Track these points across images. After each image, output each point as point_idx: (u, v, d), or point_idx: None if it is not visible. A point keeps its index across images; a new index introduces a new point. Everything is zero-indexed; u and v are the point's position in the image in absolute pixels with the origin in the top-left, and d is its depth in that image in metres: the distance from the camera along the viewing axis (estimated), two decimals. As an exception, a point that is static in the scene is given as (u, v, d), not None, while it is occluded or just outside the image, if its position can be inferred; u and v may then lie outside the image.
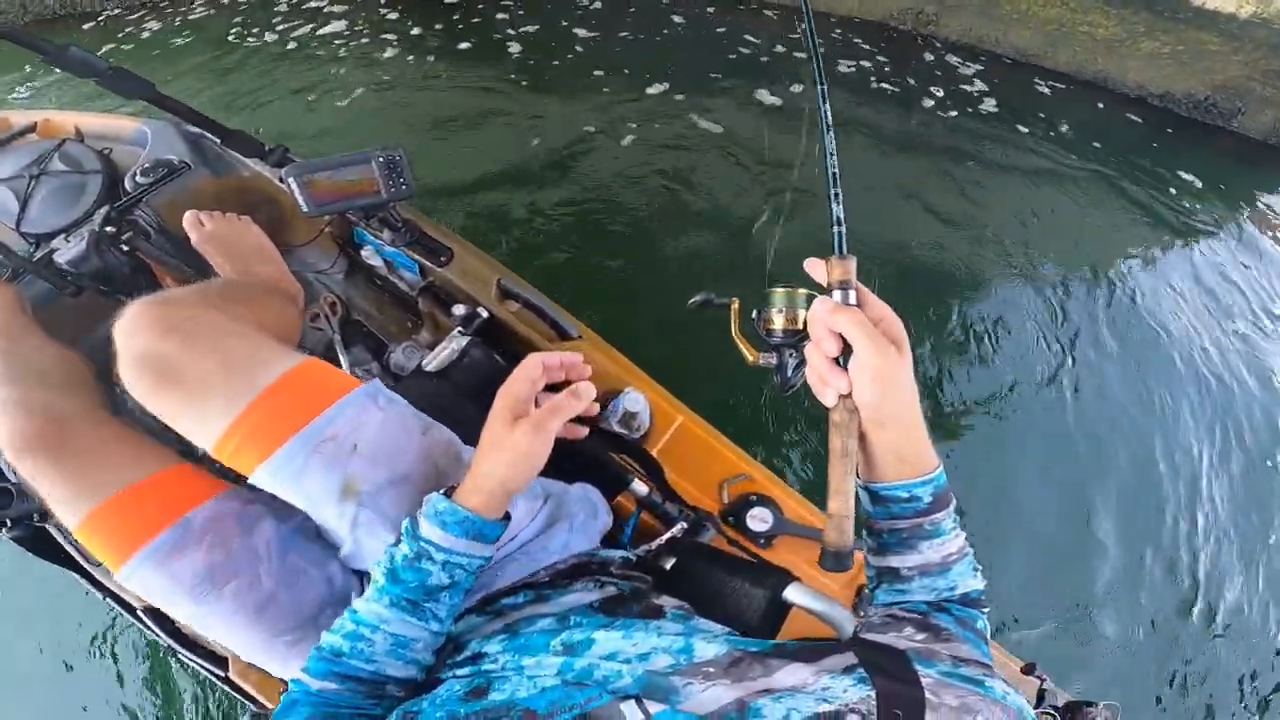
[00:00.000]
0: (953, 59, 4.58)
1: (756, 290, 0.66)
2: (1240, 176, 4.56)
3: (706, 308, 0.74)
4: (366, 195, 1.13)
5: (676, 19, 4.33)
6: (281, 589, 0.74)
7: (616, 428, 1.17)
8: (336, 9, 4.23)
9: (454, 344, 1.20)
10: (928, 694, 0.44)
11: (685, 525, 1.11)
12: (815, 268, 0.60)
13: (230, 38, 4.07)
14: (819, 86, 0.69)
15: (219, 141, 1.41)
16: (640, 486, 1.14)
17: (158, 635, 1.08)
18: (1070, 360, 2.94)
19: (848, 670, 0.48)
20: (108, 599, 1.19)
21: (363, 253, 1.54)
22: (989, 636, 0.63)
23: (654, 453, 1.23)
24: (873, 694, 0.44)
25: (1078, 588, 2.41)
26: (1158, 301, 3.37)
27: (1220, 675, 2.39)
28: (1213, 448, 2.88)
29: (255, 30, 4.10)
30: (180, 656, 1.09)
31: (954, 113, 4.10)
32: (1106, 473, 2.66)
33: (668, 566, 1.00)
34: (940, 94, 4.21)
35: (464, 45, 3.93)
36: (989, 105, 4.30)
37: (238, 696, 1.07)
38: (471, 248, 1.39)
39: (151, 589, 0.72)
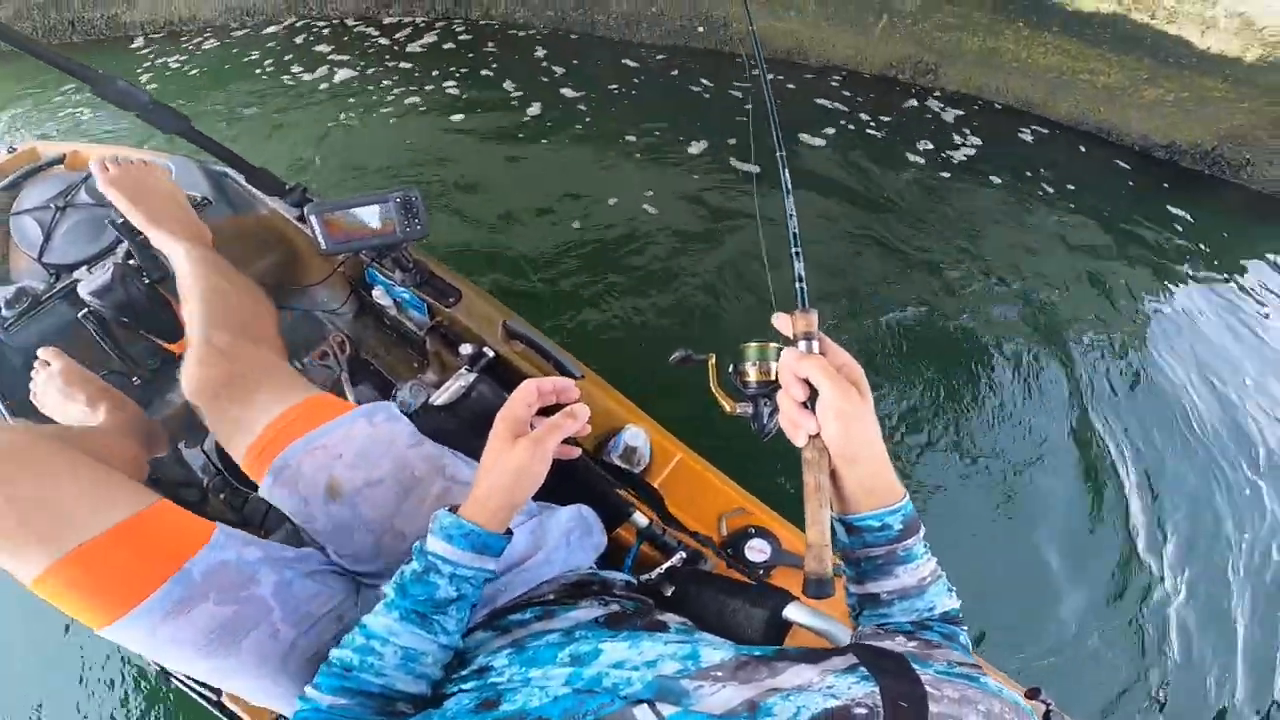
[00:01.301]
0: (950, 111, 4.60)
1: (735, 342, 0.71)
2: (1247, 231, 4.48)
3: (686, 363, 0.80)
4: (382, 235, 1.17)
5: (671, 76, 4.46)
6: (300, 636, 0.74)
7: (618, 462, 1.19)
8: (343, 57, 4.43)
9: (462, 380, 1.23)
10: (928, 688, 0.46)
11: (684, 555, 1.12)
12: (782, 322, 0.65)
13: (253, 73, 4.27)
14: (778, 153, 0.77)
15: (243, 178, 1.46)
16: (641, 518, 1.16)
17: (148, 661, 1.08)
18: (1059, 410, 2.96)
19: (850, 669, 0.49)
20: None
21: (374, 293, 1.59)
22: (972, 651, 0.66)
23: (654, 484, 1.25)
24: (877, 689, 0.46)
25: (1075, 614, 2.39)
26: (1154, 357, 3.38)
27: (1221, 687, 2.35)
28: (1206, 494, 2.87)
29: (280, 69, 4.31)
30: (172, 680, 1.07)
31: (948, 165, 4.12)
32: (1092, 516, 2.66)
33: (668, 593, 1.01)
34: (933, 146, 4.23)
35: (469, 95, 4.08)
36: (985, 157, 4.28)
37: None
38: (478, 289, 1.44)
39: (149, 647, 0.67)
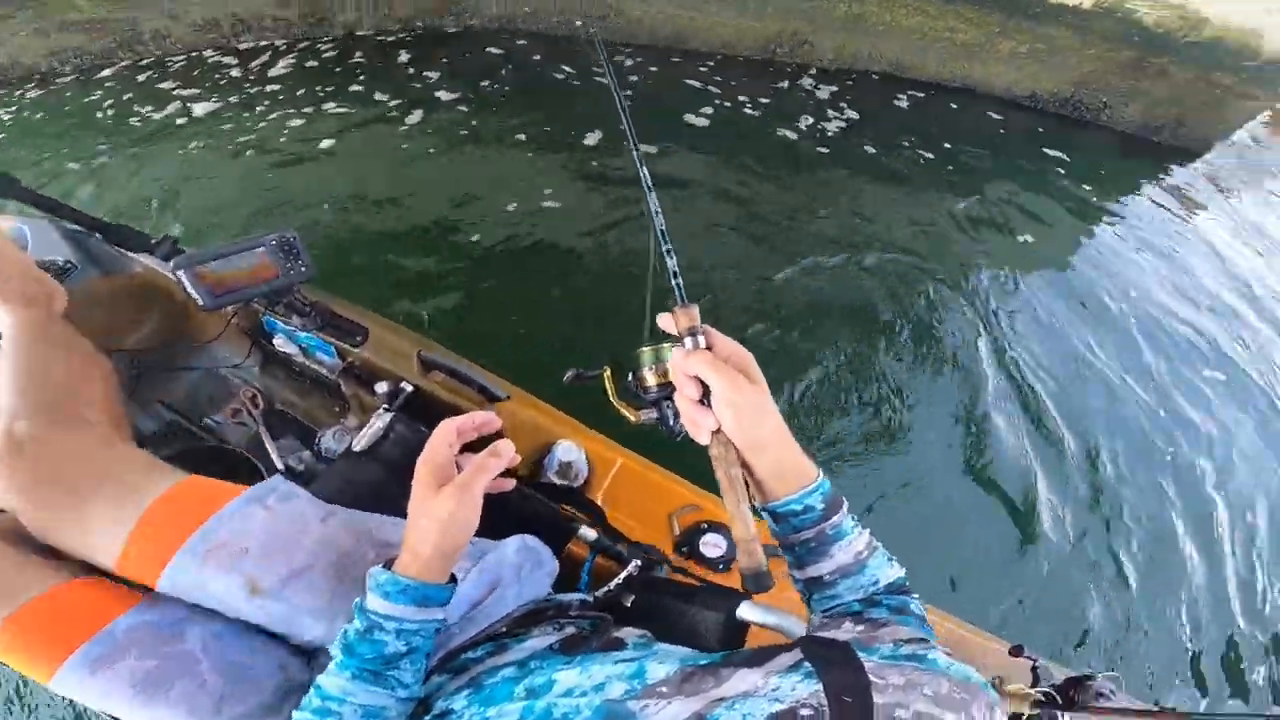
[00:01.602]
0: (825, 88, 4.68)
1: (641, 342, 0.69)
2: (1118, 167, 4.72)
3: (580, 382, 0.76)
4: (264, 282, 1.08)
5: (546, 69, 4.32)
6: (230, 684, 0.72)
7: (555, 479, 1.14)
8: (194, 90, 4.05)
9: (379, 422, 1.15)
10: (872, 677, 0.46)
11: (639, 562, 1.09)
12: (666, 321, 0.64)
13: (95, 119, 3.83)
14: (634, 152, 0.74)
15: (102, 238, 1.32)
16: (589, 532, 1.12)
17: None
18: (965, 359, 3.04)
19: (794, 667, 0.49)
20: None
21: (275, 341, 1.47)
22: (925, 617, 0.67)
23: (598, 497, 1.22)
24: (820, 687, 0.45)
25: (1049, 566, 2.46)
26: (1053, 288, 3.52)
27: (1203, 636, 2.45)
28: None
29: (123, 111, 3.89)
30: None
31: (828, 139, 4.19)
32: (1026, 458, 2.77)
33: (628, 604, 0.99)
34: (813, 121, 4.30)
35: (343, 112, 3.82)
36: (863, 127, 4.38)
37: None
38: (386, 323, 1.35)
39: (87, 698, 0.70)
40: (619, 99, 0.76)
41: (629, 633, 0.77)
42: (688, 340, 0.62)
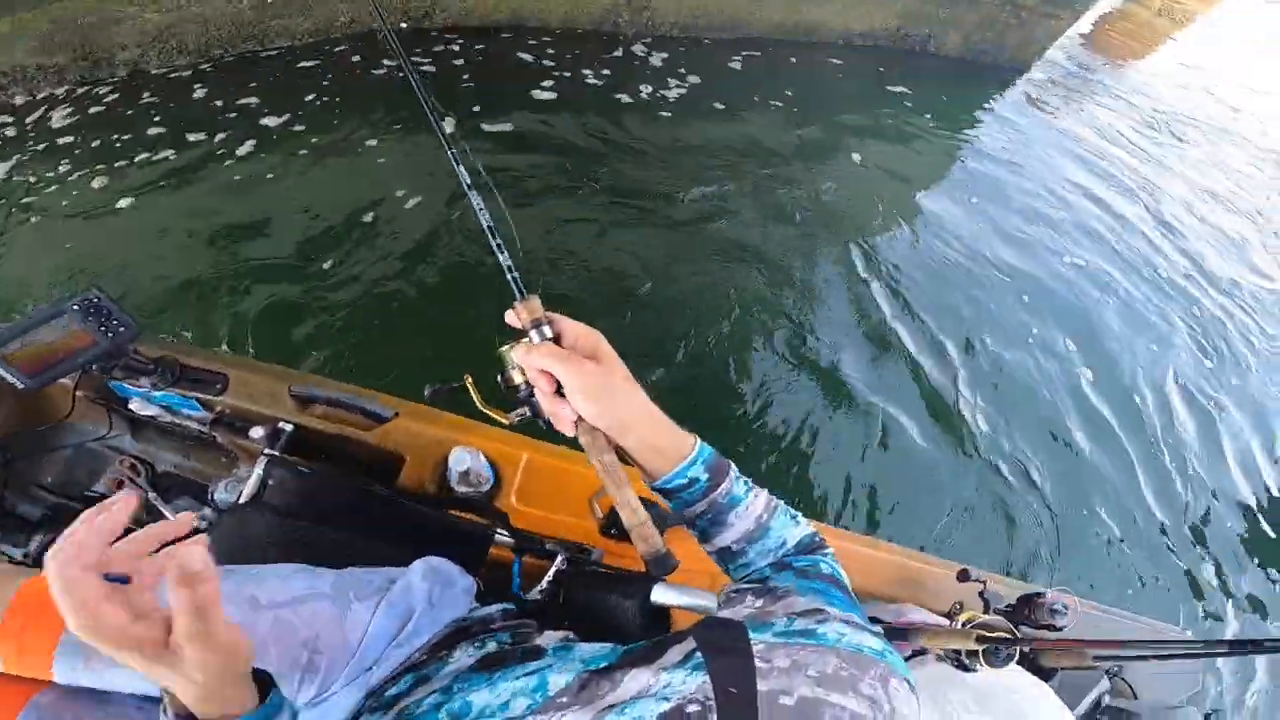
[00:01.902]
0: (657, 55, 4.56)
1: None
2: (955, 92, 4.93)
3: (442, 395, 0.71)
4: (83, 349, 0.95)
5: (364, 69, 4.00)
6: None
7: (462, 490, 1.09)
8: None
9: (258, 469, 1.06)
10: (758, 661, 0.45)
11: (565, 557, 1.06)
12: (511, 317, 0.62)
13: None
14: (448, 151, 0.69)
15: None
16: (506, 536, 1.07)
17: None
18: (844, 304, 3.12)
19: (685, 660, 0.48)
20: None
21: (132, 405, 1.32)
22: (841, 577, 0.66)
23: (512, 496, 1.18)
24: (708, 679, 0.44)
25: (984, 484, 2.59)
26: (924, 220, 3.66)
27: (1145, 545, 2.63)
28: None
29: None
30: None
31: (669, 105, 4.11)
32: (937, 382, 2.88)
33: (562, 601, 0.97)
34: (652, 89, 4.19)
35: (153, 140, 3.39)
36: (703, 91, 4.30)
37: None
38: (247, 362, 1.25)
39: None
40: (425, 101, 0.72)
41: (551, 638, 0.75)
42: (534, 334, 0.60)
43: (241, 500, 1.07)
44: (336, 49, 4.10)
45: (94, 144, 3.37)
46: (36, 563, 1.23)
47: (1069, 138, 5.14)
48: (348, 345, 2.38)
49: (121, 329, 0.98)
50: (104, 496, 1.53)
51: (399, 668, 0.73)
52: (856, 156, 4.01)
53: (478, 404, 0.68)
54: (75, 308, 0.93)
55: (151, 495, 1.51)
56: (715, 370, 2.62)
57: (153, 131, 3.43)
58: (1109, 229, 4.18)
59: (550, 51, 4.30)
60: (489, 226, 0.65)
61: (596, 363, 0.58)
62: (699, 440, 0.63)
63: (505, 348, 0.64)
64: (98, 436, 1.58)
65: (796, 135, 4.07)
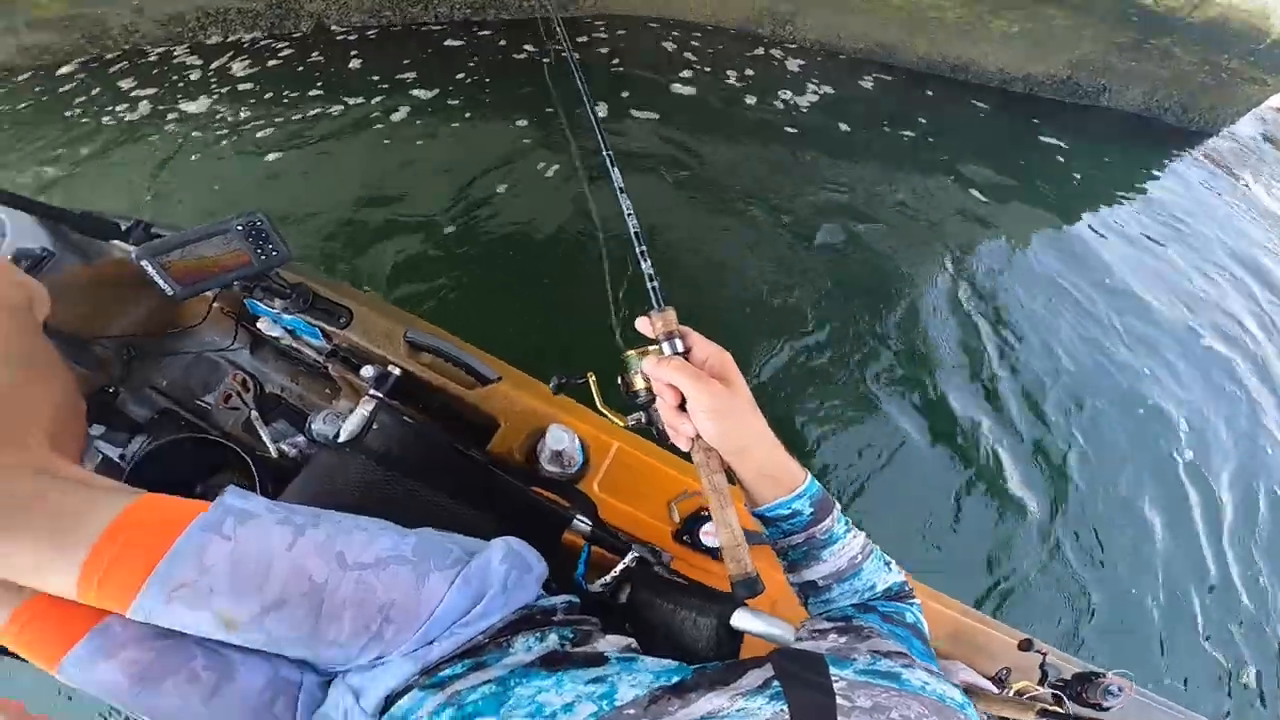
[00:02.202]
0: (793, 61, 4.39)
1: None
2: (1123, 151, 4.48)
3: (567, 387, 0.73)
4: (236, 268, 0.99)
5: (512, 57, 4.10)
6: (224, 680, 0.68)
7: (549, 469, 1.06)
8: (149, 91, 3.82)
9: (363, 409, 1.07)
10: (839, 699, 0.44)
11: (637, 555, 1.01)
12: (644, 325, 0.62)
13: (67, 116, 3.65)
14: (605, 153, 0.71)
15: (70, 228, 1.23)
16: (583, 523, 1.04)
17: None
18: (953, 352, 2.92)
19: (763, 687, 0.47)
20: None
21: (260, 325, 1.38)
22: (924, 629, 0.64)
23: (595, 484, 1.14)
24: (785, 708, 0.43)
25: (1077, 564, 2.39)
26: (1054, 281, 3.35)
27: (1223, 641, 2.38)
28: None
29: (89, 109, 3.70)
30: None
31: (802, 113, 3.98)
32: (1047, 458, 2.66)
33: (623, 599, 0.94)
34: (788, 98, 4.05)
35: (315, 98, 3.66)
36: (837, 107, 4.14)
37: None
38: (373, 302, 1.26)
39: (90, 689, 0.67)
40: (591, 109, 0.73)
41: (614, 643, 0.73)
42: (664, 345, 0.60)
43: (342, 438, 1.08)
44: (482, 32, 4.26)
45: (266, 95, 3.69)
46: (134, 468, 1.28)
47: (1244, 217, 4.55)
48: (461, 308, 2.47)
49: (275, 253, 1.01)
50: (211, 410, 1.62)
51: (459, 649, 0.71)
52: (985, 200, 3.72)
53: (597, 402, 0.68)
54: (239, 227, 0.96)
55: (253, 413, 1.58)
56: (805, 390, 2.52)
57: (314, 92, 3.71)
58: (1261, 324, 3.69)
59: (694, 44, 4.26)
60: (636, 233, 0.66)
61: (724, 384, 0.58)
62: (810, 475, 0.63)
63: (631, 353, 0.64)
64: (219, 348, 1.68)
65: (921, 168, 3.83)
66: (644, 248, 0.66)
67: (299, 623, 0.66)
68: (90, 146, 3.36)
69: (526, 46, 4.09)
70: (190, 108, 3.60)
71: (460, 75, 3.84)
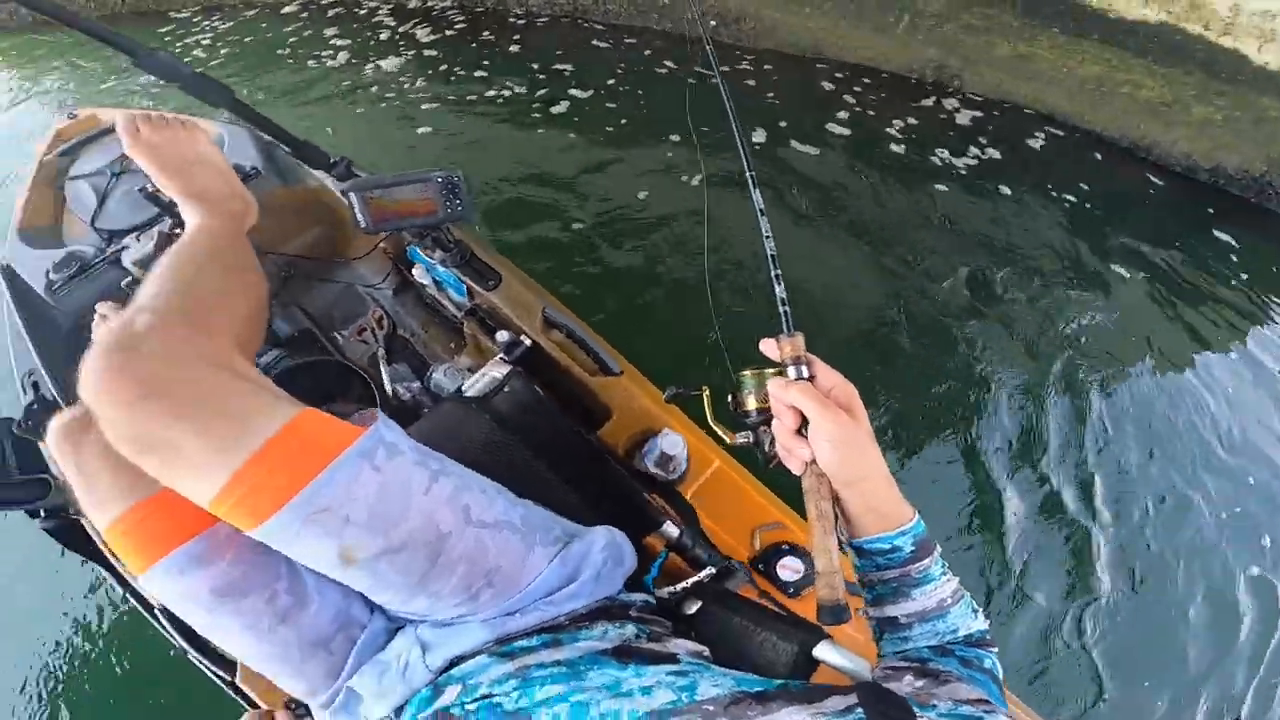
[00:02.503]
0: (965, 112, 4.16)
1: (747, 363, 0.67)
2: None
3: (681, 398, 0.75)
4: (424, 215, 1.07)
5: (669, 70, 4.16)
6: (296, 608, 0.69)
7: (652, 468, 1.07)
8: (345, 42, 4.20)
9: (495, 371, 1.12)
10: None
11: (714, 571, 1.01)
12: (769, 347, 0.63)
13: (280, 54, 4.09)
14: (749, 175, 0.71)
15: (290, 151, 1.36)
16: (672, 529, 1.05)
17: (171, 636, 1.04)
18: (1069, 444, 2.72)
19: (846, 711, 0.46)
20: (129, 595, 1.16)
21: (414, 271, 1.48)
22: (1000, 676, 0.62)
23: (688, 495, 1.13)
24: None
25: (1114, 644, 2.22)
26: (1189, 391, 3.04)
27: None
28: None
29: (300, 49, 4.13)
30: (190, 658, 1.05)
31: (962, 175, 3.75)
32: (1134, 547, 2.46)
33: (691, 611, 0.91)
34: (948, 154, 3.83)
35: (479, 78, 3.87)
36: (1002, 167, 3.85)
37: (241, 702, 1.02)
38: (520, 274, 1.32)
39: (170, 595, 0.68)
40: (736, 125, 0.74)
41: (685, 647, 0.72)
42: (790, 369, 0.61)
43: (469, 393, 1.14)
44: (628, 39, 4.34)
45: (440, 67, 3.96)
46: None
47: None
48: (587, 299, 2.54)
49: (460, 210, 1.07)
50: (344, 340, 1.72)
51: (538, 625, 0.70)
52: (1137, 286, 3.41)
53: (709, 416, 0.69)
54: (438, 179, 1.04)
55: (381, 350, 1.69)
56: (905, 443, 2.45)
57: (478, 74, 3.94)
58: None
59: (856, 88, 4.17)
60: (772, 256, 0.66)
61: (851, 414, 0.58)
62: (918, 515, 0.62)
63: (748, 373, 0.64)
64: (369, 284, 1.81)
65: (1076, 239, 3.57)
66: (778, 272, 0.66)
67: (412, 570, 0.64)
68: (291, 83, 3.77)
69: (667, 62, 4.15)
70: (385, 65, 3.95)
71: (611, 80, 3.95)
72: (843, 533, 0.62)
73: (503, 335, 1.24)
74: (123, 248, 1.43)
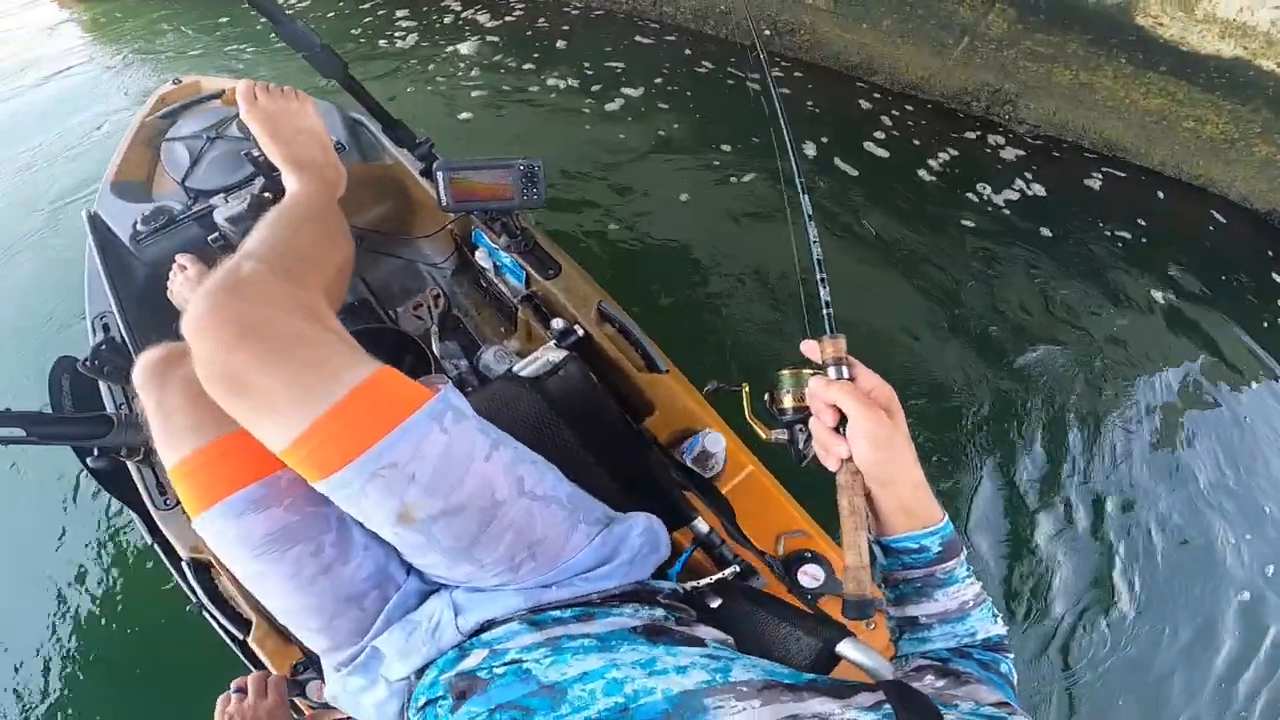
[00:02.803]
0: (1011, 150, 4.07)
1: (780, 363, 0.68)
2: None
3: (720, 392, 0.77)
4: (499, 199, 1.11)
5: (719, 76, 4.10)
6: (339, 561, 0.69)
7: (690, 464, 1.10)
8: (413, 23, 4.28)
9: (550, 355, 1.16)
10: None
11: (739, 569, 1.04)
12: (810, 348, 0.63)
13: (353, 33, 4.19)
14: (797, 180, 0.72)
15: (379, 128, 1.42)
16: (702, 525, 1.07)
17: (192, 589, 1.07)
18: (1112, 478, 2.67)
19: (875, 707, 0.46)
20: (156, 544, 1.17)
21: (476, 254, 1.53)
22: (1015, 681, 0.62)
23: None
24: None
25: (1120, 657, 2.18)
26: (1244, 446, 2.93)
27: None
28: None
29: (373, 31, 4.24)
30: (206, 613, 1.06)
31: (1007, 207, 3.67)
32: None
33: (713, 605, 0.94)
34: (992, 186, 3.74)
35: (529, 70, 3.89)
36: (1050, 204, 3.74)
37: (248, 663, 1.03)
38: (579, 268, 1.37)
39: (222, 540, 0.68)
40: (787, 131, 0.75)
41: (711, 634, 0.72)
42: (831, 369, 0.62)
43: (522, 373, 1.17)
44: (668, 36, 4.29)
45: (495, 56, 4.00)
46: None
47: None
48: (632, 295, 2.57)
49: (535, 198, 1.11)
50: (398, 314, 1.77)
51: (570, 600, 0.72)
52: (1191, 325, 3.29)
53: (746, 412, 0.71)
54: (520, 166, 1.07)
55: (434, 326, 1.74)
56: (934, 455, 2.44)
57: (528, 65, 3.95)
58: None
59: (895, 113, 4.10)
60: (818, 260, 0.67)
61: (890, 415, 0.59)
62: (947, 517, 0.62)
63: (786, 371, 0.65)
64: (430, 262, 1.87)
65: (1133, 287, 3.45)
66: (824, 275, 0.67)
67: (463, 534, 0.65)
68: (361, 62, 3.84)
69: (718, 66, 4.13)
70: (459, 49, 4.02)
71: (659, 80, 3.94)
72: (871, 530, 0.63)
73: (558, 323, 1.28)
74: (210, 206, 1.51)
